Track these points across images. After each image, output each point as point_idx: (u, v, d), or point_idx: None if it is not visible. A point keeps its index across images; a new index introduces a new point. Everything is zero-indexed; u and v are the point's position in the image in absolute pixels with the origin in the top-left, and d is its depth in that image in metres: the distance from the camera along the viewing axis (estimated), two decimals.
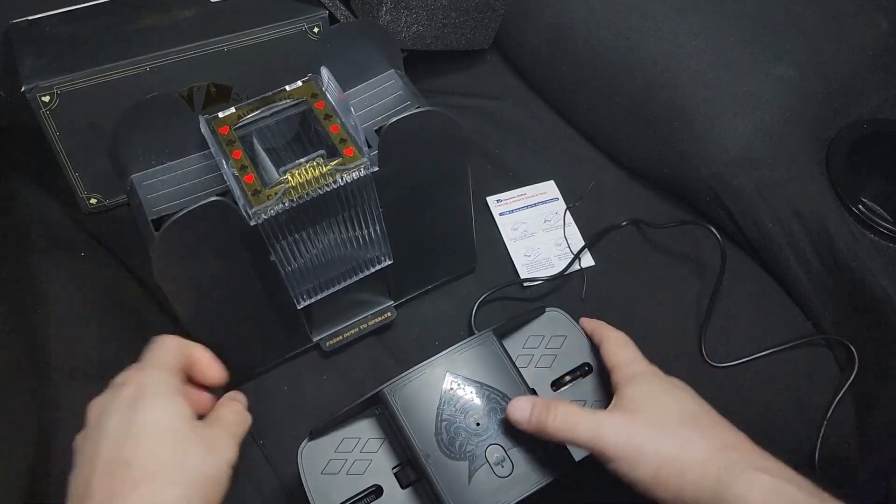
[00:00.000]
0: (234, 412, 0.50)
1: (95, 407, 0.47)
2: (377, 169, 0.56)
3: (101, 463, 0.42)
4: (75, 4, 0.72)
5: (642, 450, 0.45)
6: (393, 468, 0.54)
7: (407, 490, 0.53)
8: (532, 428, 0.50)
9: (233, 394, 0.53)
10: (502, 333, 0.59)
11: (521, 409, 0.50)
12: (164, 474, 0.42)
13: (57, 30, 0.70)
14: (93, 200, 0.74)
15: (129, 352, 0.66)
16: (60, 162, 0.70)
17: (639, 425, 0.46)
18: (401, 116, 0.55)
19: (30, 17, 0.71)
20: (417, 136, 0.57)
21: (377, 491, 0.53)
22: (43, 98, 0.65)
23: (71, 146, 0.69)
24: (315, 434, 0.54)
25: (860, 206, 0.70)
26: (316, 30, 0.73)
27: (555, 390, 0.58)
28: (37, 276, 0.70)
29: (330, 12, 0.74)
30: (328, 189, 0.55)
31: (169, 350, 0.50)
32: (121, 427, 0.43)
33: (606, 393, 0.58)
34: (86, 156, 0.70)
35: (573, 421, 0.48)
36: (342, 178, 0.55)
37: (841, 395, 0.65)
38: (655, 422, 0.47)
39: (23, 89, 0.64)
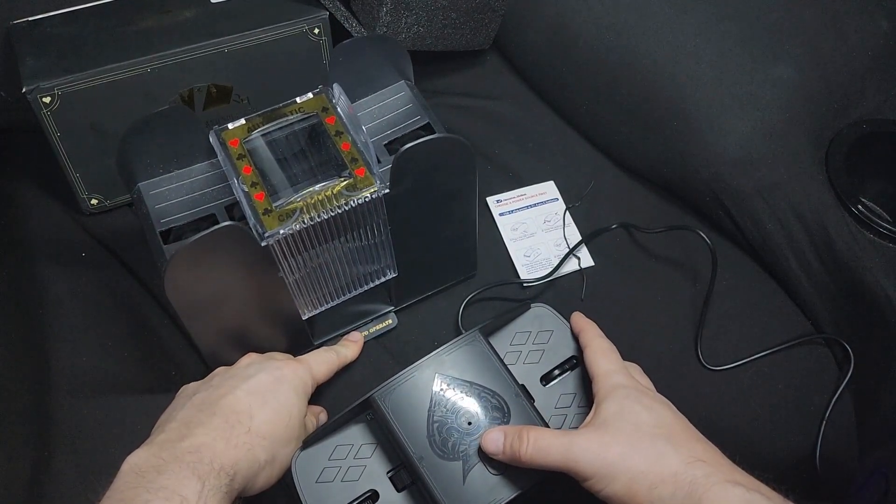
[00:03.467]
0: (314, 426, 0.59)
1: (251, 357, 0.58)
2: (388, 191, 0.56)
3: (232, 396, 0.51)
4: (76, 5, 0.72)
5: (614, 467, 0.46)
6: (387, 472, 0.54)
7: (402, 493, 0.53)
8: (507, 458, 0.50)
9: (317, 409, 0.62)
10: (489, 332, 0.59)
11: (495, 441, 0.50)
12: (266, 440, 0.51)
13: (58, 31, 0.70)
14: (94, 201, 0.74)
15: (130, 352, 0.66)
16: (61, 163, 0.70)
17: (610, 443, 0.47)
18: (413, 144, 0.54)
19: (31, 18, 0.71)
20: (429, 159, 0.56)
21: (373, 496, 0.53)
22: (44, 99, 0.65)
23: (72, 147, 0.69)
24: (308, 443, 0.55)
25: (860, 207, 0.70)
26: (316, 31, 0.73)
27: (544, 385, 0.58)
28: (37, 277, 0.70)
29: (330, 13, 0.74)
30: (339, 211, 0.55)
31: (325, 364, 0.60)
32: (262, 386, 0.53)
33: None
34: (86, 156, 0.71)
35: (545, 446, 0.48)
36: (354, 201, 0.55)
37: (838, 394, 0.65)
38: (627, 437, 0.47)
39: (24, 90, 0.64)
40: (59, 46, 0.68)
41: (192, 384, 0.56)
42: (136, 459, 0.46)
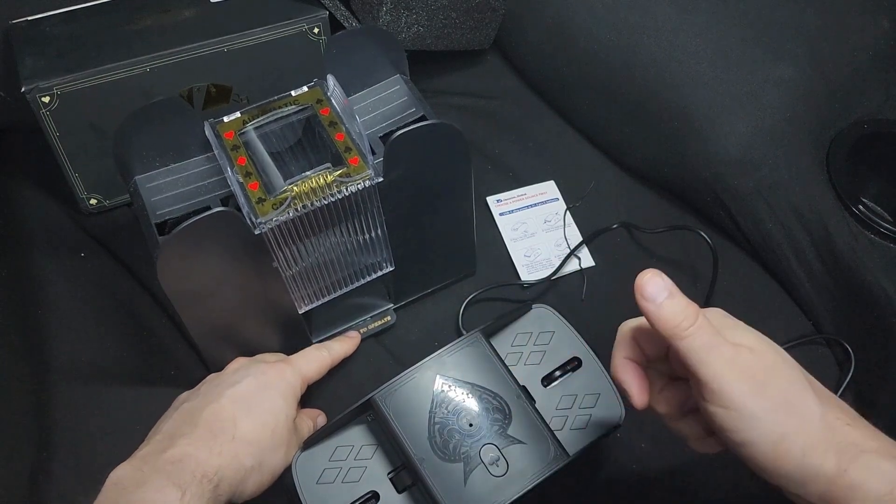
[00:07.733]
0: (309, 428, 0.58)
1: (239, 362, 0.58)
2: (381, 179, 0.56)
3: (216, 404, 0.51)
4: (75, 4, 0.72)
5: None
6: (388, 473, 0.54)
7: (403, 494, 0.53)
8: (661, 321, 0.41)
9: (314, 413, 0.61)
10: (490, 333, 0.59)
11: (656, 284, 0.42)
12: (252, 447, 0.50)
13: (57, 30, 0.70)
14: (93, 201, 0.74)
15: (129, 352, 0.66)
16: (60, 162, 0.70)
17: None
18: (406, 130, 0.54)
19: (30, 18, 0.71)
20: (422, 147, 0.56)
21: (373, 497, 0.53)
22: (43, 98, 0.65)
23: (71, 146, 0.69)
24: (308, 444, 0.54)
25: (860, 207, 0.70)
26: (316, 30, 0.73)
27: (545, 386, 0.58)
28: (37, 276, 0.70)
29: (330, 13, 0.74)
30: (333, 199, 0.55)
31: (316, 363, 0.59)
32: (247, 393, 0.53)
33: (598, 386, 0.58)
34: (86, 156, 0.70)
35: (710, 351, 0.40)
36: (347, 189, 0.55)
37: (838, 394, 0.65)
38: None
39: (23, 90, 0.64)
40: (58, 46, 0.68)
41: (184, 393, 0.56)
42: (120, 473, 0.46)
